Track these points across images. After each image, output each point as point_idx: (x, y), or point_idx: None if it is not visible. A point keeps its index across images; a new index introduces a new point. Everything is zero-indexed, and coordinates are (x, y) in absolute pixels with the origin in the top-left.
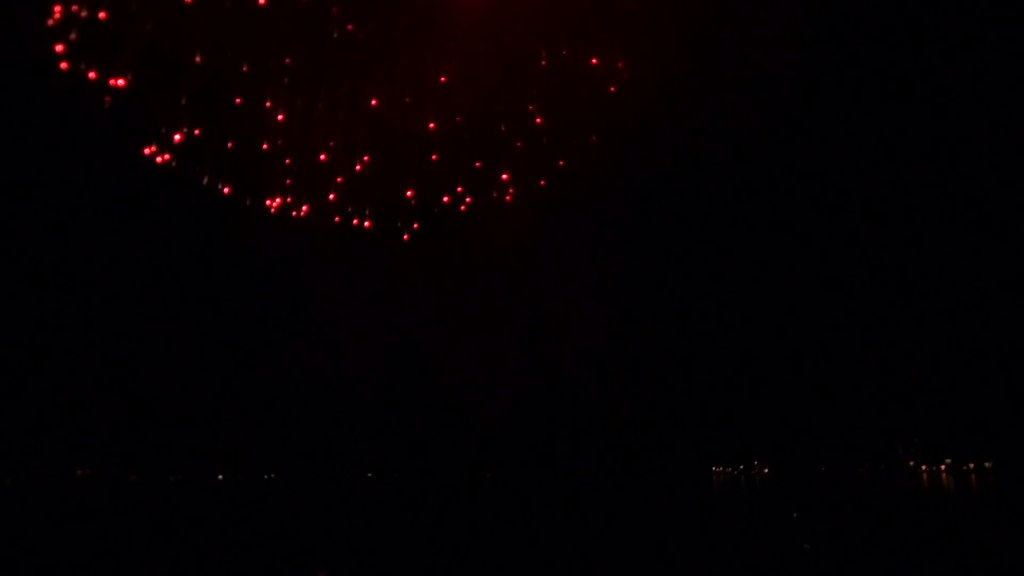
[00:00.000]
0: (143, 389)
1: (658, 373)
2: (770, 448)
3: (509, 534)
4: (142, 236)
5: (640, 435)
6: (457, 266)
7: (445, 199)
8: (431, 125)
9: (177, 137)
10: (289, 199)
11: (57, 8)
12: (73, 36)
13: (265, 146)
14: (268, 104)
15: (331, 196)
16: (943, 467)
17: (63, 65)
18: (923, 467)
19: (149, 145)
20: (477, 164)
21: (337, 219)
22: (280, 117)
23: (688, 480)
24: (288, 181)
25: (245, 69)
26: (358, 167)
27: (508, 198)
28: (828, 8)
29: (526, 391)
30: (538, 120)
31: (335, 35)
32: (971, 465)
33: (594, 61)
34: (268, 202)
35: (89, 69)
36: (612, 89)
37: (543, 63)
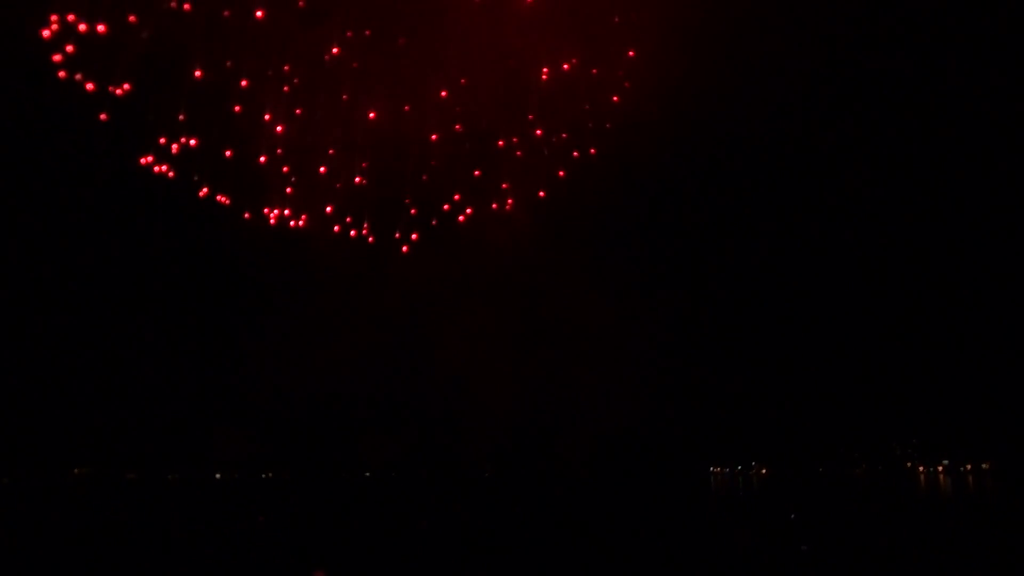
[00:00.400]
0: (141, 388)
1: (657, 374)
2: (768, 449)
3: (508, 534)
4: (140, 236)
5: (639, 436)
6: (456, 267)
7: (445, 207)
8: (432, 137)
9: (174, 147)
10: (287, 211)
11: (53, 17)
12: (70, 48)
13: (263, 159)
14: (267, 117)
15: (328, 208)
16: (940, 468)
17: (60, 74)
18: (920, 468)
19: (145, 155)
20: (476, 173)
21: (337, 228)
22: (279, 128)
23: (686, 480)
24: (289, 190)
25: (244, 84)
26: (358, 179)
27: (508, 207)
28: (837, 10)
29: (525, 391)
30: (538, 132)
31: (334, 49)
32: (968, 466)
33: (594, 72)
34: (266, 211)
35: (87, 80)
36: (615, 99)
37: (544, 75)
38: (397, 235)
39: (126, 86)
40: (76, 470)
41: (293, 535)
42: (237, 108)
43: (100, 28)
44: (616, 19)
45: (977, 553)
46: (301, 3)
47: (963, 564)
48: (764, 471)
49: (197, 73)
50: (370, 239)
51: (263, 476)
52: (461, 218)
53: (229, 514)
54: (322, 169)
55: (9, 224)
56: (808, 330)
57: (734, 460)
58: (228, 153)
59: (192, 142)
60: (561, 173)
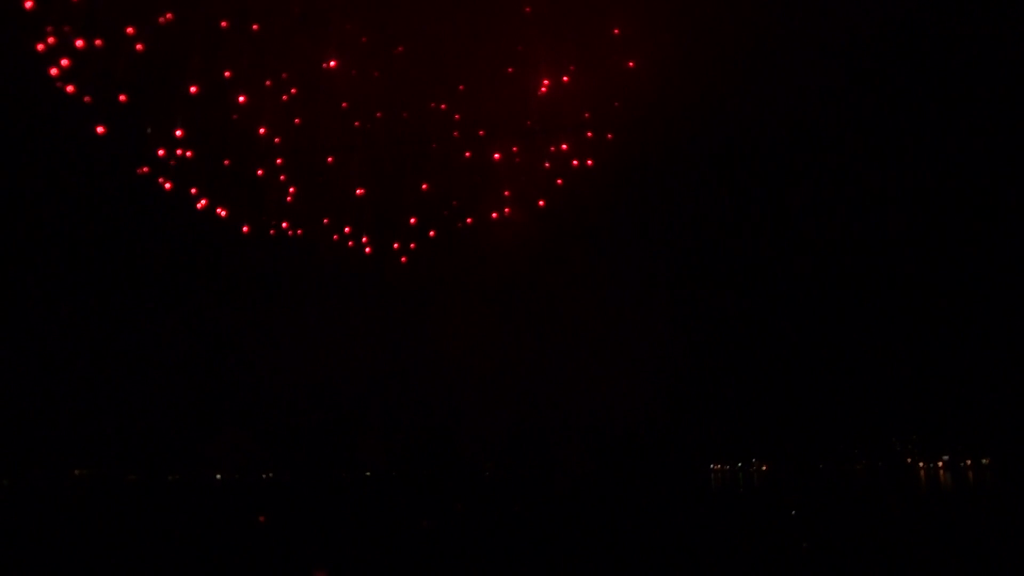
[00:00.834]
0: (141, 389)
1: (657, 372)
2: (768, 445)
3: (508, 532)
4: (140, 238)
5: (639, 433)
6: (457, 267)
7: (444, 213)
8: (432, 144)
9: (172, 161)
10: (285, 223)
11: (49, 29)
12: (65, 62)
13: (260, 172)
14: (263, 130)
15: (325, 220)
16: (940, 464)
17: (69, 89)
18: (920, 464)
19: (142, 167)
20: (476, 179)
21: (335, 237)
22: (276, 140)
23: (687, 477)
24: (288, 199)
25: (243, 99)
26: (359, 191)
27: (507, 212)
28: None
29: (525, 389)
30: (538, 140)
31: (332, 62)
32: (968, 462)
33: (593, 77)
34: (264, 217)
35: (84, 93)
36: (616, 104)
37: (543, 87)
38: (396, 245)
39: (122, 97)
40: (76, 471)
41: (294, 535)
42: (234, 116)
43: (97, 42)
44: (616, 31)
45: (978, 548)
46: (296, 8)
47: (964, 559)
48: (764, 468)
49: (192, 89)
50: (367, 250)
51: (263, 476)
52: (459, 224)
53: (230, 514)
54: (320, 179)
55: (9, 225)
56: (808, 327)
57: (734, 457)
58: (226, 162)
59: (188, 153)
60: (559, 181)
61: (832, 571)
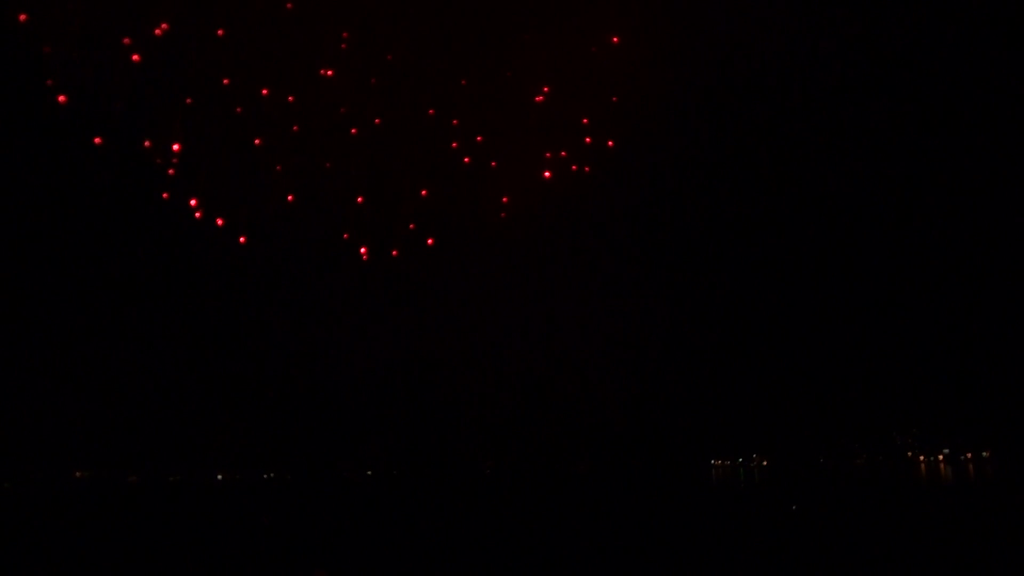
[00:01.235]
0: (142, 391)
1: (657, 368)
2: (768, 440)
3: (509, 530)
4: (141, 240)
5: (639, 429)
6: (458, 266)
7: (443, 216)
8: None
9: (170, 171)
10: (284, 228)
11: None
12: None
13: (259, 178)
14: (258, 142)
15: (325, 224)
16: (941, 457)
17: (60, 99)
18: (921, 457)
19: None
20: (466, 160)
21: (335, 240)
22: (275, 145)
23: (688, 473)
24: (288, 200)
25: (239, 110)
26: (360, 199)
27: (503, 216)
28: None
29: (523, 387)
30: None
31: (329, 71)
32: (969, 455)
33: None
34: (263, 223)
35: (80, 102)
36: (614, 99)
37: (543, 92)
38: (395, 252)
39: (119, 105)
40: (77, 473)
41: (294, 535)
42: (233, 125)
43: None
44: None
45: (978, 541)
46: (289, 5)
47: (964, 553)
48: (765, 463)
49: (187, 100)
50: (364, 257)
51: (265, 476)
52: (459, 228)
53: (231, 515)
54: (318, 184)
55: (9, 226)
56: (808, 322)
57: (735, 453)
58: (224, 167)
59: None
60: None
61: (835, 564)
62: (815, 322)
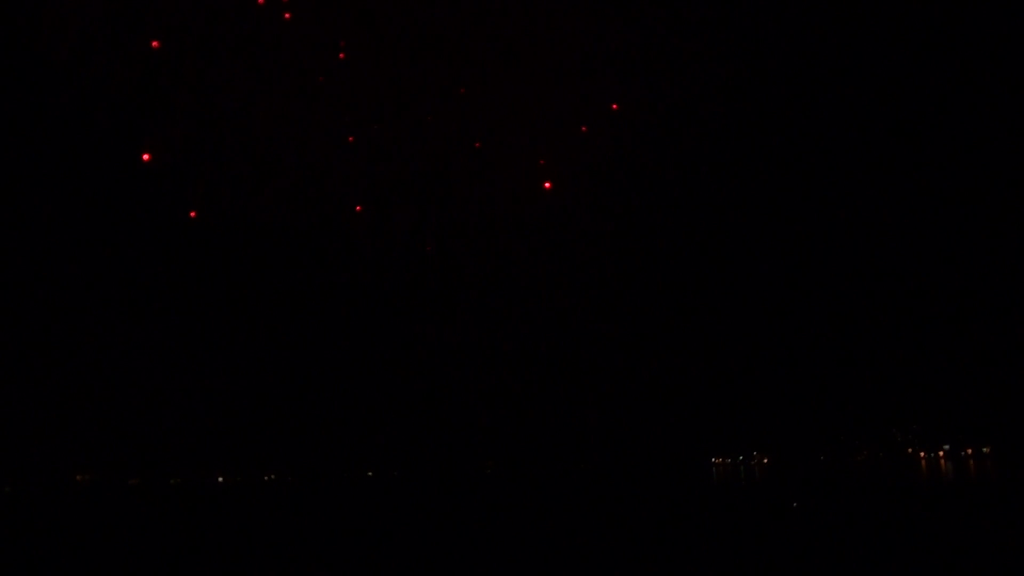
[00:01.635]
0: (142, 393)
1: (657, 366)
2: (769, 438)
3: (510, 529)
4: (140, 241)
5: (639, 427)
6: (458, 266)
7: (442, 216)
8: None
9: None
10: (285, 226)
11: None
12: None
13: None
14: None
15: (325, 223)
16: (941, 453)
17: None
18: (922, 454)
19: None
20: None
21: (335, 239)
22: (273, 145)
23: (688, 471)
24: (288, 202)
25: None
26: (358, 208)
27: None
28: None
29: (523, 386)
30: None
31: (326, 75)
32: (969, 451)
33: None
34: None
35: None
36: (615, 107)
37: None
38: (394, 253)
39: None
40: (78, 477)
41: (295, 535)
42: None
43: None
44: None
45: (980, 538)
46: (287, 15)
47: (966, 550)
48: (765, 461)
49: (187, 102)
50: (367, 247)
51: (265, 478)
52: (458, 228)
53: (232, 516)
54: (317, 182)
55: (9, 228)
56: (807, 318)
57: (735, 450)
58: (224, 169)
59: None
60: (548, 185)
61: (836, 562)
62: (815, 319)
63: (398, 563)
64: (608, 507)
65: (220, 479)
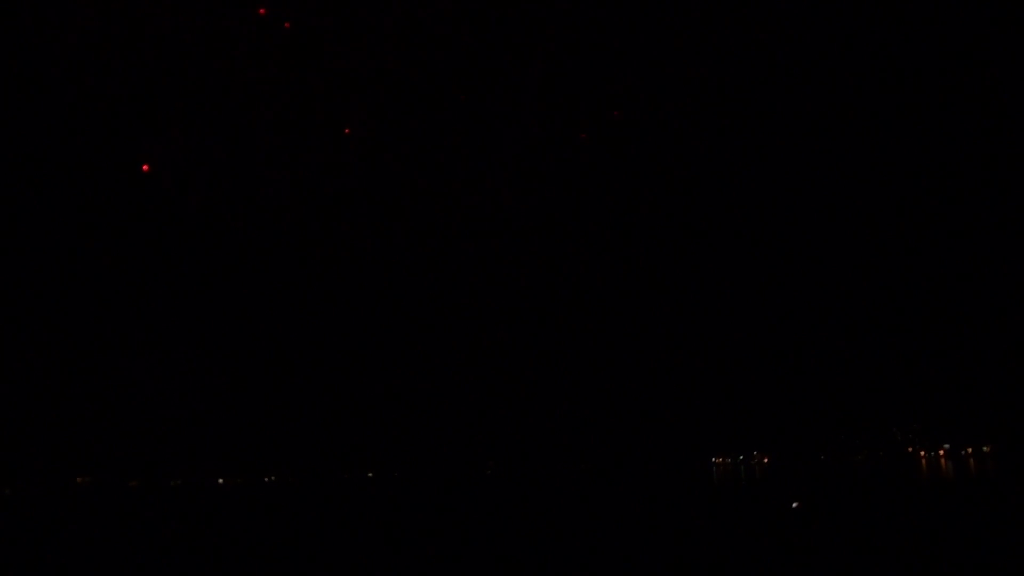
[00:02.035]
0: (142, 394)
1: (657, 365)
2: (769, 438)
3: (510, 529)
4: (142, 245)
5: (640, 427)
6: (458, 266)
7: (442, 216)
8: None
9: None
10: (286, 225)
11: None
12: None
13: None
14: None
15: (325, 223)
16: (941, 452)
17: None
18: (922, 453)
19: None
20: (463, 162)
21: (335, 240)
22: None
23: (688, 471)
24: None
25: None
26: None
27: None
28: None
29: (523, 386)
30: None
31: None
32: (969, 450)
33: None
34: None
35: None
36: (616, 114)
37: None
38: (394, 253)
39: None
40: (78, 479)
41: (296, 536)
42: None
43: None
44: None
45: (980, 537)
46: (287, 24)
47: (966, 549)
48: (765, 460)
49: (187, 101)
50: (368, 248)
51: (265, 480)
52: (458, 228)
53: (232, 518)
54: (319, 182)
55: (10, 230)
56: (808, 318)
57: (735, 450)
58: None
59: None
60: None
61: (837, 561)
62: (815, 319)
63: (398, 563)
64: (608, 507)
65: (220, 481)
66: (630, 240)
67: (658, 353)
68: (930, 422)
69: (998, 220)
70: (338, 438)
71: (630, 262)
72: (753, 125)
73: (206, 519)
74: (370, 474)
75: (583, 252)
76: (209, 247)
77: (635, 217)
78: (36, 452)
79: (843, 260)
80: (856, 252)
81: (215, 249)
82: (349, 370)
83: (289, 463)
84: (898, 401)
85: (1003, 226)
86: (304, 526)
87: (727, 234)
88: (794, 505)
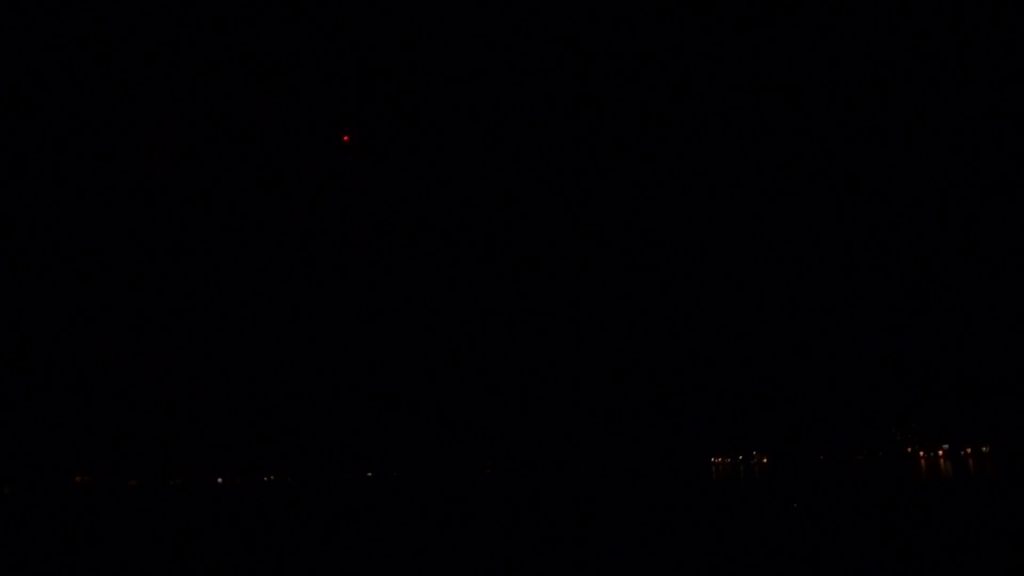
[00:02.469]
0: (142, 394)
1: (657, 365)
2: (768, 438)
3: (510, 529)
4: (143, 246)
5: (640, 427)
6: (458, 266)
7: (443, 216)
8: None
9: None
10: (286, 224)
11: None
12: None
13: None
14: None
15: (326, 223)
16: (941, 452)
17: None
18: (921, 453)
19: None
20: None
21: (335, 240)
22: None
23: (688, 471)
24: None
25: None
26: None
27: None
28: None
29: (524, 386)
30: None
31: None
32: (968, 450)
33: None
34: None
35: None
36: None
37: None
38: (394, 253)
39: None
40: (77, 478)
41: (296, 536)
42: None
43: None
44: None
45: (979, 536)
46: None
47: (965, 549)
48: (765, 460)
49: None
50: (368, 248)
51: (265, 479)
52: (458, 227)
53: (232, 517)
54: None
55: (10, 230)
56: (808, 319)
57: (735, 450)
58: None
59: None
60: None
61: (836, 561)
62: (815, 320)
63: (398, 563)
64: (608, 507)
65: (219, 480)
66: (630, 240)
67: (658, 353)
68: (929, 422)
69: (998, 220)
70: (338, 438)
71: (630, 262)
72: (753, 125)
73: (206, 519)
74: (370, 474)
75: (583, 252)
76: (209, 247)
77: (635, 217)
78: (36, 452)
79: (843, 260)
80: (856, 252)
81: (216, 249)
82: (349, 370)
83: (289, 463)
84: (898, 401)
85: (1003, 226)
86: (304, 526)
87: (727, 234)
88: (794, 505)
